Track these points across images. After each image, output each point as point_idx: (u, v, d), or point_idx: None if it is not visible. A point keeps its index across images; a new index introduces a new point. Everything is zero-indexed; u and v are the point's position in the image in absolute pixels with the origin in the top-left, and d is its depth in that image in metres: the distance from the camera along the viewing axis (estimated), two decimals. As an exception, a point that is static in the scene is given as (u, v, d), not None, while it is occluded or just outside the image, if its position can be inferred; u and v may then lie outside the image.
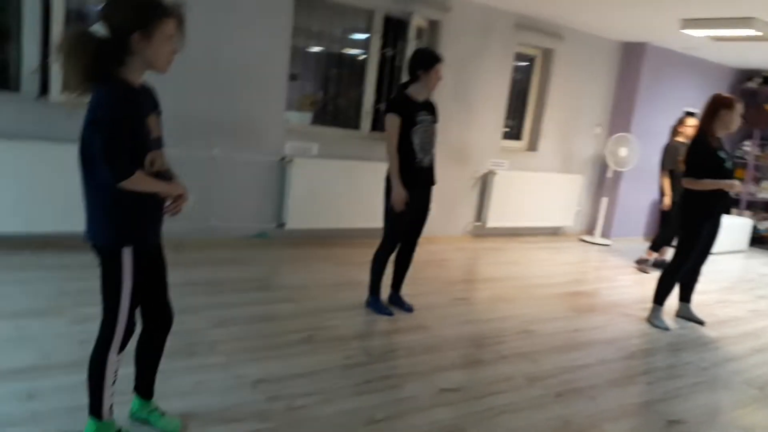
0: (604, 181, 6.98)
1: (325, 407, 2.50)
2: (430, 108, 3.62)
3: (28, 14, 3.87)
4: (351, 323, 3.51)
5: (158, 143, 1.88)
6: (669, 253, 5.07)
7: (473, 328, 3.70)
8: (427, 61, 3.49)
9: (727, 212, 4.15)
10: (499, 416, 2.63)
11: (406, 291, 3.90)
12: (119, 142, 1.70)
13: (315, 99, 5.38)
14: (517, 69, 6.23)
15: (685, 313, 4.38)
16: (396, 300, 3.85)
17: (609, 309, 4.44)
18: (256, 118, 4.68)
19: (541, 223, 6.63)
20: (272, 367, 2.79)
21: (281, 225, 4.94)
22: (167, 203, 1.93)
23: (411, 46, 5.09)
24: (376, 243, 3.69)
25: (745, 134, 7.88)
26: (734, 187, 3.91)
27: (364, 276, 3.76)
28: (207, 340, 2.98)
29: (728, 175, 3.92)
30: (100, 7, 1.75)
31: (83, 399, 1.97)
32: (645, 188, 6.93)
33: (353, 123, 5.36)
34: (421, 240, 3.81)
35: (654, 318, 4.18)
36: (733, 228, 7.23)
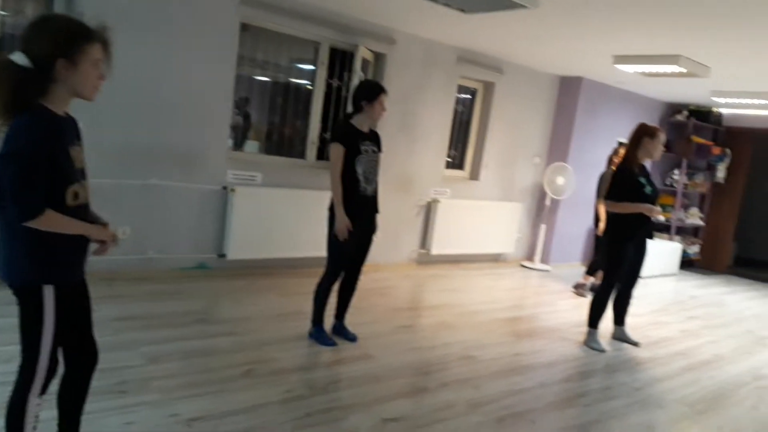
0: (542, 208, 7.21)
1: (263, 443, 2.44)
2: (374, 138, 3.67)
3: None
4: (293, 355, 3.45)
5: (82, 174, 1.80)
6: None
7: (417, 356, 3.71)
8: (370, 92, 3.55)
9: (650, 237, 4.33)
10: (441, 445, 2.64)
11: (351, 320, 3.89)
12: (32, 177, 1.60)
13: (260, 128, 5.36)
14: (459, 101, 6.41)
15: (620, 336, 4.54)
16: (340, 329, 3.83)
17: (548, 333, 4.55)
18: (198, 147, 4.62)
19: (483, 249, 6.76)
20: (209, 403, 2.71)
21: (222, 256, 4.84)
22: (92, 246, 1.85)
23: (356, 78, 5.17)
24: (321, 272, 3.67)
25: (674, 164, 8.34)
26: (653, 211, 4.10)
27: (308, 306, 3.72)
28: (140, 377, 2.86)
29: (648, 200, 4.12)
30: (20, 33, 1.67)
31: (0, 445, 1.86)
32: (581, 215, 7.22)
33: (299, 152, 5.36)
34: (366, 268, 3.82)
35: (590, 341, 4.31)
36: (664, 252, 7.61)
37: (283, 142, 5.33)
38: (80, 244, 1.84)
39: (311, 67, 5.29)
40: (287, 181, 5.11)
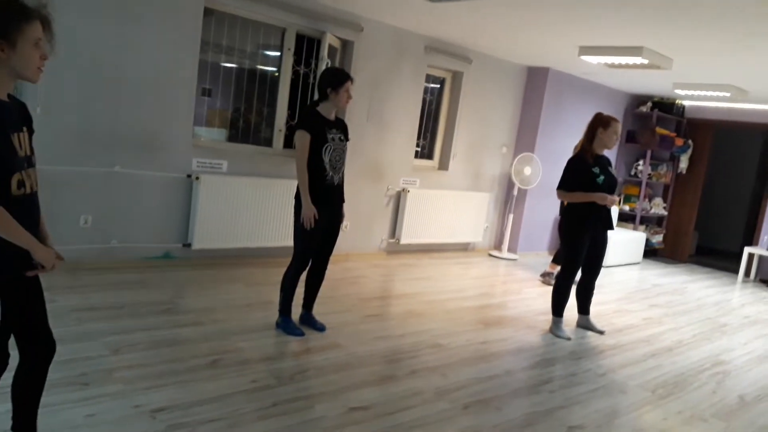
0: (510, 198, 7.29)
1: (228, 433, 2.41)
2: (341, 126, 3.64)
3: None
4: (260, 345, 3.42)
5: (28, 162, 1.71)
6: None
7: (385, 345, 3.72)
8: (336, 79, 3.51)
9: (611, 227, 4.39)
10: (408, 432, 2.64)
11: (320, 310, 3.86)
12: None
13: (226, 115, 5.26)
14: (428, 90, 6.40)
15: (584, 324, 4.62)
16: (308, 319, 3.80)
17: (515, 321, 4.60)
18: (162, 134, 4.51)
19: (452, 239, 6.80)
20: (173, 394, 2.66)
21: (187, 245, 4.75)
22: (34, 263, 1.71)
23: (323, 65, 5.11)
24: (288, 262, 3.63)
25: (639, 154, 8.51)
26: (605, 200, 4.15)
27: (275, 296, 3.69)
28: (103, 368, 2.79)
29: (600, 189, 4.17)
30: None
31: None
32: (548, 205, 7.31)
33: (265, 140, 5.28)
34: (336, 257, 3.79)
35: (555, 329, 4.38)
36: (628, 241, 7.77)
37: (250, 130, 5.25)
38: (30, 229, 1.73)
39: (277, 53, 5.21)
40: (253, 170, 5.04)
